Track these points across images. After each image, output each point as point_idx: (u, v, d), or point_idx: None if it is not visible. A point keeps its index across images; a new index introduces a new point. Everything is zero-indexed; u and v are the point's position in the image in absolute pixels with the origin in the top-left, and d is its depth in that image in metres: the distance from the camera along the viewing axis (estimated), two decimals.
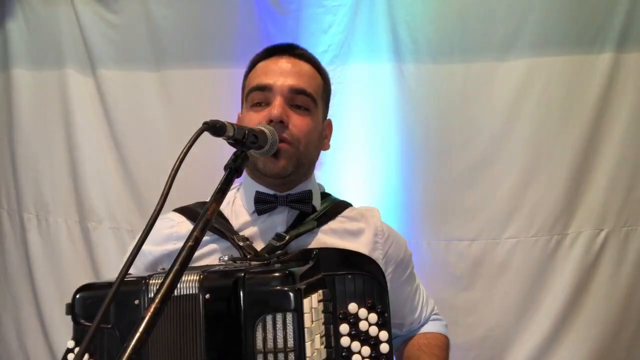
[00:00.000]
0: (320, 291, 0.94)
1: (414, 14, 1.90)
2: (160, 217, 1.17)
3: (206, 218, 0.76)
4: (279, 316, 0.84)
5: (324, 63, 1.94)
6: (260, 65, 1.13)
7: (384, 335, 0.99)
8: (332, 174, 1.95)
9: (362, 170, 1.97)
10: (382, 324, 0.99)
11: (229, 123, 0.86)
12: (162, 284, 0.65)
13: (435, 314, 1.33)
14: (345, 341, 0.96)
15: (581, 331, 1.93)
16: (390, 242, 1.17)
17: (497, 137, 1.92)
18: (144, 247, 1.13)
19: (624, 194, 1.91)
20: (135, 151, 2.14)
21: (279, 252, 1.03)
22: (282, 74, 1.09)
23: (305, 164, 1.13)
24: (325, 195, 1.24)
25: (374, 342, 0.98)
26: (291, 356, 0.83)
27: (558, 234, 1.93)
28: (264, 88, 1.08)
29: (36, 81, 2.23)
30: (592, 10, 1.84)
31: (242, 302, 0.85)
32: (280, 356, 0.83)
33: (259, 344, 0.84)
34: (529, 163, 1.91)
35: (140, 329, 0.59)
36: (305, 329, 0.85)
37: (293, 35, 1.97)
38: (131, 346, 0.57)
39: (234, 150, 0.92)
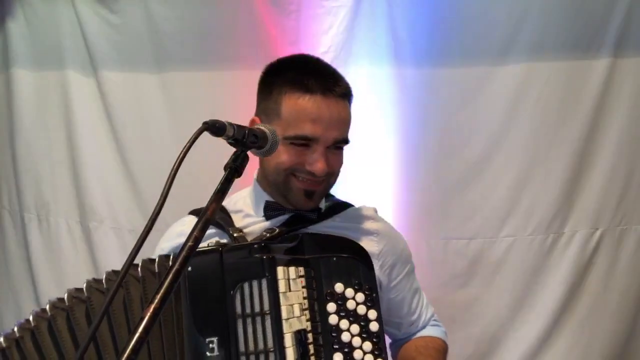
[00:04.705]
0: (301, 268, 0.98)
1: (414, 16, 1.91)
2: (180, 221, 1.23)
3: (206, 218, 0.76)
4: (254, 283, 0.91)
5: None
6: (304, 104, 1.05)
7: (372, 313, 1.00)
8: None
9: (361, 171, 1.98)
10: (371, 303, 1.00)
11: (228, 123, 0.86)
12: (161, 284, 0.65)
13: (434, 320, 1.31)
14: (333, 319, 0.99)
15: (576, 328, 1.95)
16: (386, 240, 1.17)
17: (495, 138, 1.93)
18: (157, 245, 1.18)
19: (619, 194, 1.93)
20: (136, 151, 2.14)
21: (265, 237, 1.06)
22: (328, 124, 1.05)
23: (329, 190, 1.18)
24: (327, 196, 1.24)
25: (363, 321, 0.99)
26: (268, 318, 0.90)
27: (554, 233, 1.94)
28: (310, 139, 1.05)
29: (37, 81, 2.23)
30: (589, 15, 1.85)
31: (222, 272, 0.92)
32: (258, 319, 0.90)
33: (238, 309, 0.91)
34: (526, 164, 1.92)
35: (140, 329, 0.59)
36: (281, 294, 0.91)
37: (293, 36, 1.97)
38: (131, 346, 0.57)
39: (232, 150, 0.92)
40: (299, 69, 1.10)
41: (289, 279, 0.93)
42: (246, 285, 0.91)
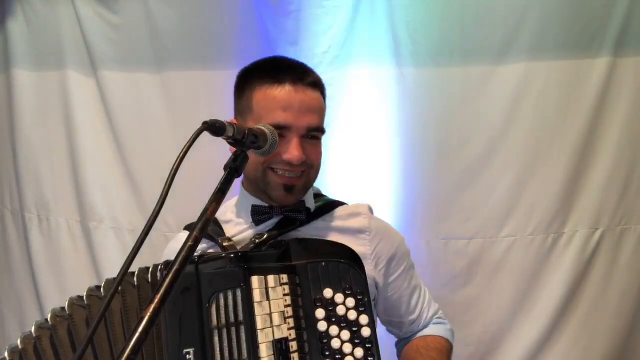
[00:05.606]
0: (284, 275, 0.96)
1: (414, 15, 1.90)
2: (175, 239, 1.21)
3: (206, 218, 0.76)
4: (229, 293, 0.91)
5: (324, 64, 1.97)
6: (274, 93, 1.06)
7: (364, 319, 0.98)
8: (332, 174, 1.96)
9: (362, 171, 1.98)
10: (362, 308, 0.99)
11: (228, 123, 0.87)
12: (160, 285, 0.65)
13: (438, 318, 1.29)
14: (322, 326, 0.97)
15: (576, 328, 1.95)
16: (380, 238, 1.15)
17: (495, 138, 1.93)
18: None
19: (619, 194, 1.93)
20: (136, 151, 2.15)
21: (252, 245, 1.05)
22: (300, 111, 1.05)
23: (312, 185, 1.16)
24: (318, 196, 1.23)
25: (355, 326, 0.98)
26: (242, 329, 0.89)
27: (554, 233, 1.94)
28: (282, 127, 1.05)
29: (37, 82, 2.24)
30: (589, 15, 1.85)
31: (198, 283, 0.92)
32: (233, 330, 0.89)
33: (214, 320, 0.90)
34: (527, 163, 1.92)
35: (140, 330, 0.59)
36: (256, 304, 0.89)
37: (293, 37, 1.97)
38: (130, 347, 0.57)
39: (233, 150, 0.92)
40: (268, 66, 1.11)
41: (266, 288, 0.92)
42: (221, 296, 0.91)
